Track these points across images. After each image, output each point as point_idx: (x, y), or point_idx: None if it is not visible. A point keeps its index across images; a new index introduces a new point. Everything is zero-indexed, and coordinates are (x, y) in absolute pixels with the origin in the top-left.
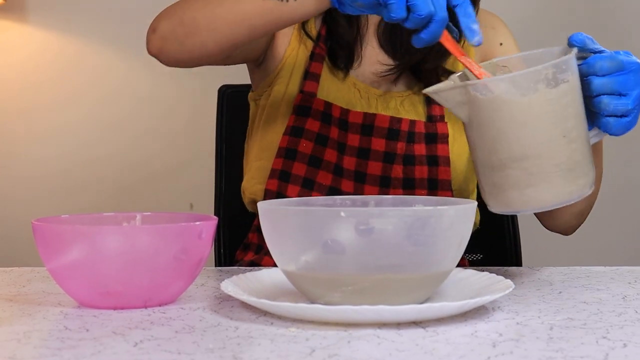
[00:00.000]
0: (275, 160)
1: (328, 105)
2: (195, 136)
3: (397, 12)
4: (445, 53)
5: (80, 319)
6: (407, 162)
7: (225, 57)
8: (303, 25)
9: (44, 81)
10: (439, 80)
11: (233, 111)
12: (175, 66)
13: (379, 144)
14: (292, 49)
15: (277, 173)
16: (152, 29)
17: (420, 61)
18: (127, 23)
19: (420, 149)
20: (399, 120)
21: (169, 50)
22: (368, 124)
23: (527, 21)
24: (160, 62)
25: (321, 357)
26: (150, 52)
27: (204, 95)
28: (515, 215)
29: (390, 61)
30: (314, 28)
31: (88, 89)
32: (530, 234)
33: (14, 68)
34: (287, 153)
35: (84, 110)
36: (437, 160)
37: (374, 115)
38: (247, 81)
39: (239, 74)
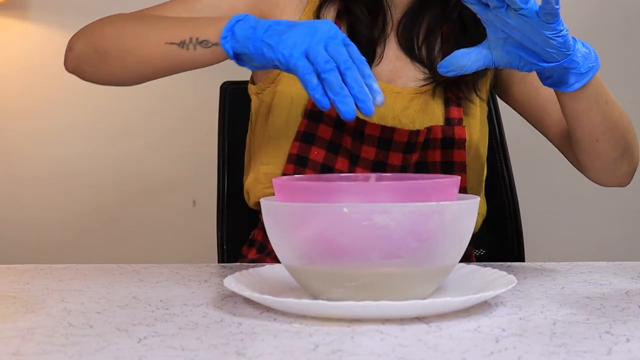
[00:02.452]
0: (286, 166)
1: None
2: (197, 133)
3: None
4: (484, 70)
5: (84, 315)
6: (419, 171)
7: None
8: (318, 17)
9: (45, 79)
10: (475, 91)
11: (235, 108)
12: (95, 83)
13: (396, 158)
14: None
15: None
16: (69, 48)
17: (460, 76)
18: None
19: (434, 155)
20: (417, 133)
21: (85, 71)
22: (386, 138)
23: None
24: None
25: (324, 353)
26: (66, 69)
27: (206, 92)
28: (518, 211)
29: (405, 57)
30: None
31: (89, 86)
32: (533, 230)
33: (14, 66)
34: (298, 160)
35: (85, 109)
36: (452, 167)
37: (393, 129)
38: (249, 77)
39: (240, 71)
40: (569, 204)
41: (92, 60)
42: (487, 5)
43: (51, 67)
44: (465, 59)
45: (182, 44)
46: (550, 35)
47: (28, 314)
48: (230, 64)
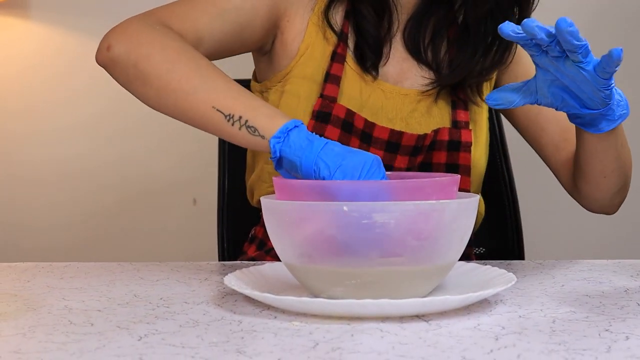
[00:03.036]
0: None
1: (350, 113)
2: (198, 132)
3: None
4: (487, 71)
5: (85, 313)
6: (423, 171)
7: None
8: (327, 18)
9: (46, 79)
10: (479, 95)
11: None
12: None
13: (402, 161)
14: (307, 46)
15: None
16: (107, 45)
17: (464, 78)
18: None
19: (439, 157)
20: (424, 136)
21: (115, 74)
22: (394, 142)
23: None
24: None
25: (324, 351)
26: (97, 61)
27: None
28: (518, 209)
29: (411, 58)
30: (337, 21)
31: (90, 86)
32: (533, 228)
33: (15, 65)
34: None
35: (86, 108)
36: (457, 169)
37: (401, 133)
38: (250, 74)
39: (243, 68)
40: (569, 202)
41: (128, 72)
42: (546, 52)
43: (52, 67)
44: (514, 95)
45: (228, 117)
46: (600, 88)
47: (29, 312)
48: (232, 60)
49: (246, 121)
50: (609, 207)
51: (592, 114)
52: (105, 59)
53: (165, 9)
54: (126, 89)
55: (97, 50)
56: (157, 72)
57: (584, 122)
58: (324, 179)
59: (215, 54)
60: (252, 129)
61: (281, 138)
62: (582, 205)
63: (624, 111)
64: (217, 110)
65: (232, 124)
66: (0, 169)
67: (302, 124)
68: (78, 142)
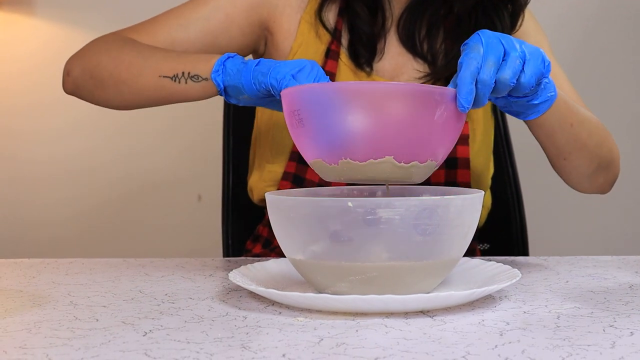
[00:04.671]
0: (288, 164)
1: None
2: (202, 128)
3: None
4: None
5: (90, 309)
6: None
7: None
8: (320, 15)
9: (53, 75)
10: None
11: None
12: (92, 104)
13: None
14: (299, 44)
15: (291, 176)
16: (67, 72)
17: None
18: (135, 17)
19: None
20: None
21: (83, 95)
22: None
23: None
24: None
25: (329, 346)
26: (65, 91)
27: None
28: (522, 205)
29: (406, 52)
30: (330, 19)
31: None
32: (537, 224)
33: (21, 63)
34: (300, 157)
35: (91, 105)
36: (456, 163)
37: None
38: None
39: None
40: (573, 198)
41: (88, 86)
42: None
43: (57, 64)
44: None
45: (174, 78)
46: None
47: (34, 308)
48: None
49: (188, 73)
50: (594, 188)
51: (517, 102)
52: (69, 85)
53: (130, 28)
54: (94, 103)
55: (62, 82)
56: (107, 72)
57: (511, 111)
58: (266, 84)
59: None
60: (196, 77)
61: (219, 70)
62: (572, 188)
63: (550, 93)
64: (164, 77)
65: (179, 82)
66: (6, 166)
67: (236, 55)
68: (83, 138)
